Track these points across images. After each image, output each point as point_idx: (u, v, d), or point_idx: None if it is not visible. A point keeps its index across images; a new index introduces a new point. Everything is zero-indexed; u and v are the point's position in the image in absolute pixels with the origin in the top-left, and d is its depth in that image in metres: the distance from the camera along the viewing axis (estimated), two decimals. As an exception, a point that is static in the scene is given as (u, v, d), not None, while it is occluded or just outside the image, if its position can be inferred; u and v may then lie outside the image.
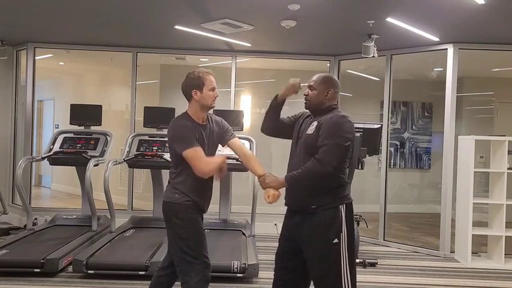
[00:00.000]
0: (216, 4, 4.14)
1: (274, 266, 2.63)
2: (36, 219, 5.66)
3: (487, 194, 5.20)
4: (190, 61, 6.58)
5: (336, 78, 2.64)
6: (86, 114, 5.55)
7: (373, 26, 4.55)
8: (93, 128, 5.53)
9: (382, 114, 5.96)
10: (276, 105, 2.67)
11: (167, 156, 4.95)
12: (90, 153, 5.16)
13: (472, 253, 4.85)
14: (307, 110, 2.63)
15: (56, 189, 8.93)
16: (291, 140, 2.66)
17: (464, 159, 5.04)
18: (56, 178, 9.09)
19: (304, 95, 2.58)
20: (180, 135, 2.58)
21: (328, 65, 6.28)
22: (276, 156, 6.59)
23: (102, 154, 5.17)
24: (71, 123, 5.55)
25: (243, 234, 5.11)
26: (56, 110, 9.02)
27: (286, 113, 2.74)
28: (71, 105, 5.61)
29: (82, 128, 5.52)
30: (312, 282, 2.55)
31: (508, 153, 4.88)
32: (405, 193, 8.06)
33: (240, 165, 5.00)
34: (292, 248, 2.53)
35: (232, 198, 5.85)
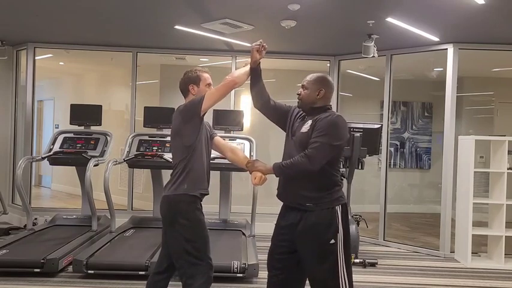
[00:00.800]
0: (216, 4, 4.14)
1: (266, 266, 2.62)
2: (36, 219, 5.65)
3: (487, 194, 5.20)
4: (190, 61, 6.58)
5: (330, 79, 2.64)
6: (86, 114, 5.55)
7: (373, 26, 4.55)
8: (93, 128, 5.53)
9: (382, 114, 5.97)
10: (252, 72, 2.68)
11: (167, 156, 4.95)
12: (90, 153, 5.16)
13: (472, 253, 4.85)
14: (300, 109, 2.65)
15: (56, 189, 8.93)
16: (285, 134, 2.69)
17: (464, 159, 5.04)
18: (56, 178, 9.09)
19: (297, 94, 2.59)
20: (190, 104, 2.65)
21: (328, 65, 6.28)
22: (275, 157, 6.57)
23: (102, 154, 5.17)
24: (71, 123, 5.55)
25: (243, 234, 5.11)
26: (56, 110, 9.02)
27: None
28: (71, 105, 5.61)
29: (82, 128, 5.52)
30: (307, 282, 2.55)
31: (508, 153, 4.88)
32: (405, 193, 8.06)
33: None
34: (287, 247, 2.52)
35: (232, 198, 5.85)
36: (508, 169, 4.84)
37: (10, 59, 6.33)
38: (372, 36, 4.88)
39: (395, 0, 3.88)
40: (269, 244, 2.64)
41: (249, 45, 5.62)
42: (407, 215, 7.44)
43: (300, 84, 2.61)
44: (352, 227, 4.71)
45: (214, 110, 5.33)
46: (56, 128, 8.35)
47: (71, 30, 5.33)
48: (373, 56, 5.00)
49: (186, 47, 6.04)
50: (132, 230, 5.14)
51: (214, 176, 5.66)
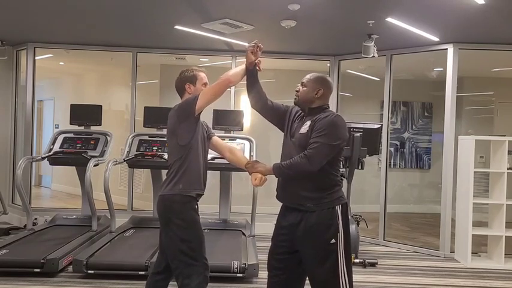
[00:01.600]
0: (216, 4, 4.14)
1: (267, 266, 2.62)
2: (36, 219, 5.65)
3: (487, 194, 5.20)
4: (190, 61, 6.58)
5: (330, 80, 2.63)
6: (86, 114, 5.55)
7: (373, 26, 4.55)
8: (93, 128, 5.53)
9: (382, 114, 5.96)
10: (248, 74, 2.65)
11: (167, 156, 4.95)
12: (90, 153, 5.16)
13: (472, 253, 4.85)
14: (297, 106, 2.64)
15: (56, 189, 8.93)
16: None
17: (464, 159, 5.04)
18: (56, 178, 9.09)
19: (295, 90, 2.59)
20: (185, 103, 2.65)
21: (328, 65, 6.28)
22: (275, 157, 6.57)
23: (102, 154, 5.17)
24: (71, 123, 5.55)
25: (243, 234, 5.11)
26: (56, 110, 9.02)
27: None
28: (71, 105, 5.61)
29: (82, 128, 5.52)
30: (308, 281, 2.55)
31: (508, 153, 4.88)
32: (405, 193, 8.06)
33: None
34: (288, 247, 2.52)
35: (232, 198, 5.85)
36: (508, 169, 4.84)
37: (10, 59, 6.32)
38: (372, 36, 4.88)
39: (395, 0, 3.88)
40: (269, 244, 2.64)
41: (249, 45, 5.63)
42: (407, 215, 7.44)
43: (300, 82, 2.61)
44: (352, 227, 4.71)
45: (214, 110, 5.33)
46: (56, 128, 8.35)
47: (71, 30, 5.33)
48: (373, 56, 5.00)
49: (186, 47, 6.04)
50: (132, 230, 5.14)
51: (215, 176, 5.72)
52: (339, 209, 2.46)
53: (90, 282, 3.90)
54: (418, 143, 8.00)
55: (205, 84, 2.75)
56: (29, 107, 6.16)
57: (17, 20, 5.01)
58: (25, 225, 5.38)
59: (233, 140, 5.29)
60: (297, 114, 2.64)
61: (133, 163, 5.18)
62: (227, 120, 5.38)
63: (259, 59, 2.62)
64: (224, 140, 5.27)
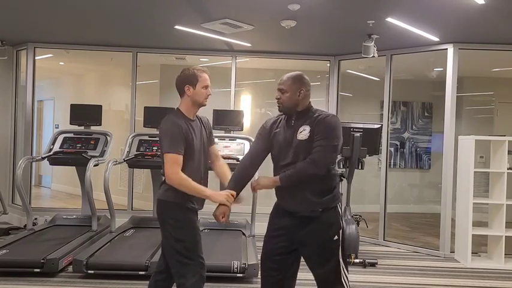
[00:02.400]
0: (216, 4, 4.14)
1: (260, 265, 2.62)
2: (36, 219, 5.65)
3: (487, 194, 5.20)
4: (190, 61, 6.58)
5: (305, 76, 2.56)
6: (86, 114, 5.55)
7: (373, 26, 4.55)
8: (93, 128, 5.53)
9: (382, 114, 5.96)
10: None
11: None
12: (90, 153, 5.16)
13: (472, 253, 4.85)
14: (276, 115, 2.62)
15: (56, 189, 8.93)
16: None
17: (464, 159, 5.04)
18: (56, 178, 9.09)
19: (276, 98, 2.53)
20: (168, 135, 2.59)
21: (328, 65, 6.27)
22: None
23: (102, 154, 5.17)
24: (71, 123, 5.55)
25: (243, 234, 5.11)
26: (56, 110, 9.02)
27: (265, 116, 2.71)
28: (71, 105, 5.61)
29: (82, 128, 5.52)
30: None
31: (508, 153, 4.88)
32: (405, 193, 8.06)
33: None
34: (285, 247, 2.52)
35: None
36: (508, 169, 4.84)
37: (10, 59, 6.32)
38: (372, 36, 4.88)
39: (395, 0, 3.88)
40: (266, 246, 2.62)
41: (249, 45, 5.64)
42: (407, 215, 7.44)
43: (277, 88, 2.52)
44: (352, 227, 4.71)
45: (214, 110, 5.34)
46: (56, 128, 8.35)
47: (71, 30, 5.33)
48: (373, 56, 4.99)
49: (186, 47, 6.04)
50: (132, 230, 5.14)
51: (215, 176, 5.70)
52: (339, 206, 2.52)
53: (90, 282, 3.89)
54: (418, 143, 8.00)
55: (206, 86, 2.63)
56: (29, 107, 6.16)
57: (17, 20, 5.01)
58: (25, 225, 5.38)
59: (233, 140, 5.29)
60: (277, 122, 2.59)
61: (133, 163, 5.18)
62: (227, 120, 5.38)
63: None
64: (224, 139, 5.30)
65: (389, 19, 4.34)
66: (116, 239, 4.77)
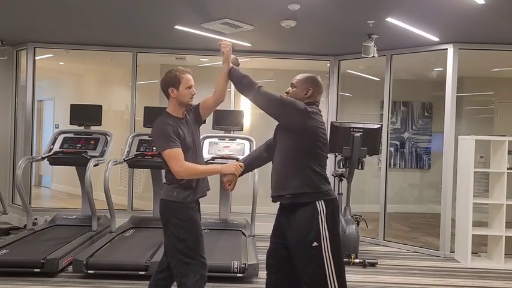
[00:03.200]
0: (216, 4, 4.14)
1: (265, 264, 2.63)
2: (36, 219, 5.66)
3: (487, 194, 5.20)
4: (190, 61, 6.58)
5: (320, 80, 2.62)
6: (86, 114, 5.55)
7: (373, 26, 4.55)
8: (93, 128, 5.53)
9: (382, 114, 5.96)
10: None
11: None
12: (90, 153, 5.16)
13: (472, 253, 4.85)
14: None
15: (56, 189, 8.93)
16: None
17: (464, 159, 5.04)
18: (56, 178, 9.09)
19: (285, 92, 2.61)
20: (160, 137, 2.62)
21: (328, 65, 6.27)
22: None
23: (102, 154, 5.17)
24: (71, 123, 5.55)
25: (243, 234, 5.11)
26: (56, 110, 9.02)
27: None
28: (71, 105, 5.61)
29: (82, 128, 5.52)
30: None
31: (508, 153, 4.88)
32: (405, 193, 8.06)
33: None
34: (284, 245, 2.53)
35: (232, 198, 5.85)
36: (508, 169, 4.84)
37: (10, 59, 6.32)
38: (372, 36, 4.88)
39: (395, 0, 3.88)
40: (269, 244, 2.65)
41: (249, 45, 5.64)
42: (407, 215, 7.44)
43: (290, 82, 2.63)
44: (352, 227, 4.71)
45: (214, 110, 5.33)
46: (56, 128, 8.35)
47: (71, 30, 5.33)
48: (373, 56, 4.99)
49: (186, 47, 6.04)
50: (132, 230, 5.14)
51: (214, 176, 5.69)
52: (321, 206, 2.41)
53: (90, 282, 3.90)
54: (418, 143, 8.00)
55: (189, 87, 2.68)
56: (29, 107, 6.16)
57: (17, 20, 5.01)
58: (25, 225, 5.38)
59: (233, 140, 5.29)
60: None
61: (133, 163, 5.18)
62: (227, 120, 5.38)
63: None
64: (224, 139, 5.30)
65: (389, 19, 4.34)
66: (116, 239, 4.77)
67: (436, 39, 4.99)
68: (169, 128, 2.60)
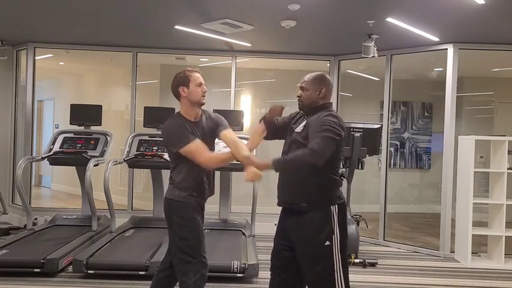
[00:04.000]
0: (216, 4, 4.14)
1: (270, 265, 2.63)
2: (36, 219, 5.65)
3: (487, 194, 5.20)
4: (190, 61, 6.58)
5: (329, 77, 2.62)
6: (86, 114, 5.55)
7: (373, 26, 4.55)
8: (93, 128, 5.53)
9: (382, 114, 5.96)
10: (265, 123, 2.71)
11: (167, 156, 4.95)
12: (90, 153, 5.15)
13: (472, 253, 4.85)
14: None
15: (56, 189, 8.93)
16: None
17: (464, 159, 5.04)
18: (56, 178, 9.09)
19: (297, 96, 2.57)
20: (174, 135, 2.62)
21: (328, 65, 6.27)
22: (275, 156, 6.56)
23: (102, 154, 5.17)
24: (71, 123, 5.54)
25: (243, 234, 5.11)
26: (56, 110, 9.02)
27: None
28: (71, 105, 5.61)
29: (82, 128, 5.52)
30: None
31: (508, 153, 4.88)
32: (405, 193, 8.06)
33: (240, 165, 5.03)
34: (288, 247, 2.52)
35: (232, 198, 5.85)
36: (508, 169, 4.84)
37: (10, 59, 6.32)
38: (372, 36, 4.88)
39: (395, 0, 3.88)
40: (269, 244, 2.66)
41: (249, 45, 5.64)
42: (407, 215, 7.44)
43: (299, 85, 2.59)
44: (352, 227, 4.71)
45: (214, 109, 5.31)
46: (56, 128, 8.35)
47: (71, 30, 5.33)
48: (373, 56, 4.99)
49: (186, 47, 6.04)
50: (132, 230, 5.14)
51: (215, 177, 5.70)
52: (334, 209, 2.44)
53: (90, 282, 3.89)
54: (418, 143, 8.00)
55: (199, 84, 2.67)
56: (29, 107, 6.16)
57: (17, 20, 5.00)
58: (25, 225, 5.38)
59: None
60: (298, 116, 2.64)
61: (133, 163, 5.18)
62: (227, 120, 5.33)
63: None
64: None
65: (389, 19, 4.34)
66: (116, 239, 4.76)
67: (436, 39, 4.99)
68: (181, 126, 2.61)
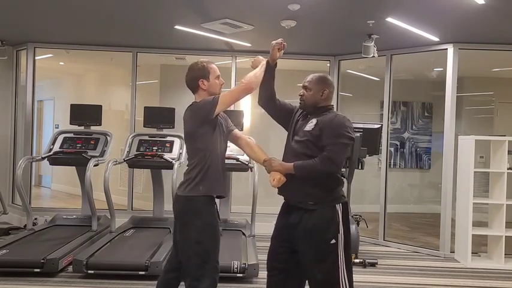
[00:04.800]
0: (216, 4, 4.14)
1: (266, 266, 2.61)
2: (36, 219, 5.65)
3: (487, 194, 5.20)
4: (190, 61, 6.47)
5: (331, 78, 2.65)
6: (86, 114, 5.55)
7: (373, 26, 4.55)
8: (93, 128, 5.53)
9: (382, 114, 5.96)
10: (269, 69, 2.71)
11: (167, 156, 4.95)
12: (90, 153, 5.16)
13: (472, 253, 4.85)
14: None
15: (56, 189, 8.93)
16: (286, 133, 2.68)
17: (464, 159, 5.04)
18: (56, 178, 9.09)
19: (299, 95, 2.59)
20: (204, 106, 2.54)
21: (328, 65, 6.27)
22: (275, 156, 6.56)
23: (102, 154, 5.17)
24: (71, 123, 5.55)
25: (243, 234, 5.11)
26: (56, 110, 9.02)
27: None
28: (71, 105, 5.61)
29: (82, 128, 5.52)
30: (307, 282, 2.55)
31: (508, 153, 4.88)
32: (405, 193, 8.06)
33: (240, 165, 5.03)
34: (287, 247, 2.52)
35: (232, 198, 5.85)
36: (508, 169, 4.84)
37: (10, 59, 6.32)
38: (372, 36, 4.88)
39: (395, 0, 3.88)
40: (269, 244, 2.64)
41: (249, 45, 5.64)
42: (407, 215, 7.44)
43: (301, 85, 2.60)
44: (352, 227, 4.70)
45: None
46: (56, 128, 8.35)
47: (71, 30, 5.33)
48: (373, 56, 5.00)
49: (186, 47, 6.04)
50: (132, 230, 5.13)
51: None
52: (339, 208, 2.47)
53: (90, 282, 3.89)
54: (418, 143, 8.00)
55: (218, 77, 2.67)
56: (29, 107, 6.16)
57: (17, 20, 5.01)
58: (25, 225, 5.38)
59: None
60: (302, 113, 2.64)
61: (133, 163, 5.18)
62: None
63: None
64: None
65: (389, 19, 4.34)
66: (116, 239, 4.76)
67: (436, 39, 4.99)
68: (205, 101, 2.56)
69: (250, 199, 5.02)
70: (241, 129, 5.42)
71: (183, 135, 2.81)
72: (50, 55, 6.60)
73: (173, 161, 4.85)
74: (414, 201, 8.08)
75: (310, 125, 2.48)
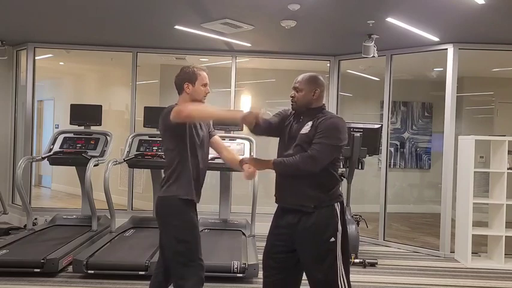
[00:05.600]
0: (216, 4, 4.14)
1: (262, 265, 2.61)
2: (36, 219, 5.65)
3: (487, 194, 5.20)
4: (190, 61, 6.57)
5: (322, 77, 2.60)
6: (86, 114, 5.55)
7: (373, 26, 4.55)
8: (93, 128, 5.53)
9: (382, 114, 5.96)
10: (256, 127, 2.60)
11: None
12: (90, 153, 5.16)
13: (472, 253, 4.85)
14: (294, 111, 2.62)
15: (56, 189, 8.93)
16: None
17: (464, 159, 5.04)
18: (56, 178, 9.09)
19: (291, 96, 2.56)
20: (168, 111, 2.54)
21: (328, 65, 6.28)
22: (275, 157, 6.55)
23: (102, 154, 5.17)
24: (71, 123, 5.55)
25: (243, 234, 5.11)
26: (56, 110, 9.02)
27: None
28: (71, 105, 5.62)
29: (82, 128, 5.52)
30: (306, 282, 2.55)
31: (508, 153, 4.88)
32: (405, 193, 8.06)
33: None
34: (284, 247, 2.51)
35: (232, 198, 5.85)
36: (508, 169, 4.84)
37: (10, 59, 6.33)
38: (372, 36, 4.88)
39: (395, 0, 3.88)
40: (267, 245, 2.62)
41: (249, 45, 5.64)
42: (407, 215, 7.44)
43: (292, 87, 2.56)
44: (352, 227, 4.71)
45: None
46: (56, 128, 8.35)
47: (71, 30, 5.33)
48: (373, 56, 5.00)
49: (186, 47, 6.04)
50: (132, 230, 5.14)
51: (215, 176, 5.71)
52: (337, 207, 2.47)
53: (90, 282, 3.90)
54: (418, 143, 8.00)
55: (205, 85, 2.67)
56: (29, 107, 6.16)
57: (17, 20, 5.01)
58: (25, 225, 5.38)
59: (233, 140, 5.29)
60: (294, 116, 2.61)
61: (134, 163, 5.18)
62: (227, 120, 5.37)
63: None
64: (224, 140, 5.30)
65: (389, 19, 4.34)
66: (116, 239, 4.77)
67: (436, 39, 4.99)
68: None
69: (250, 199, 5.02)
70: (241, 129, 5.42)
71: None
72: (50, 55, 6.61)
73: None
74: (414, 201, 8.08)
75: (306, 127, 2.47)
